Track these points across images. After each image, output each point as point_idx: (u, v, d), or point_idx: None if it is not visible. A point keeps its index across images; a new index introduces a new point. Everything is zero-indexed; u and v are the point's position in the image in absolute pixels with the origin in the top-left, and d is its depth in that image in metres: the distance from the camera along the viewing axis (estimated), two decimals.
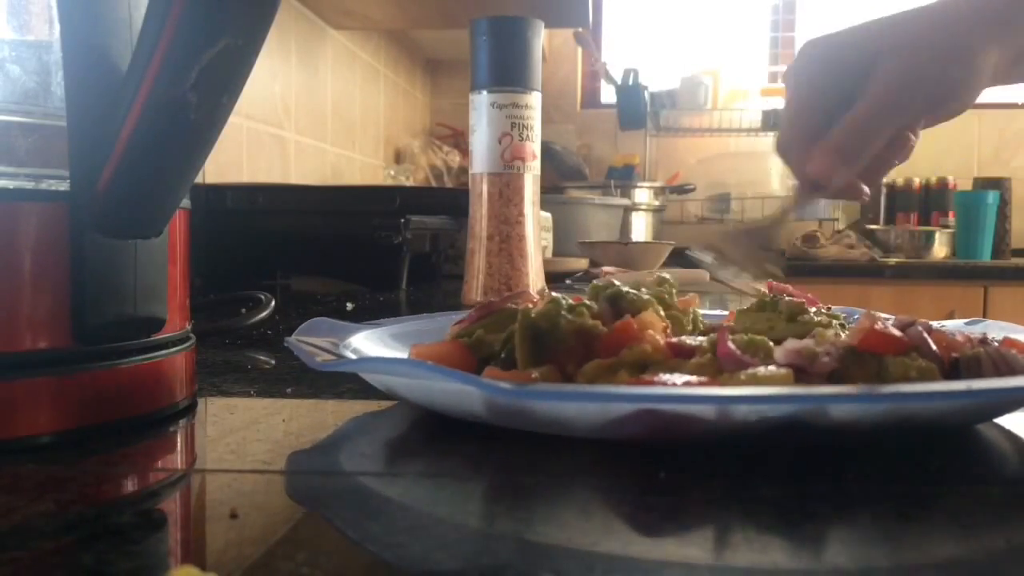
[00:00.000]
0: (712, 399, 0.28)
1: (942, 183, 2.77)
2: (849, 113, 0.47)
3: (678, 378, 0.32)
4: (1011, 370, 0.33)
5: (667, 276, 0.44)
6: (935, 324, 0.46)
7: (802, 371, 0.33)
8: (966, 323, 0.48)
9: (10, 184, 0.32)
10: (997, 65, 0.47)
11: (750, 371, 0.32)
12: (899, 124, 0.49)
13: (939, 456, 0.31)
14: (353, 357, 0.39)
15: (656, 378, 0.32)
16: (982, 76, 0.47)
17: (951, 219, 2.64)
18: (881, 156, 0.51)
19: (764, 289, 0.50)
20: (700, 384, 0.31)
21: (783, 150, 0.50)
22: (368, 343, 0.43)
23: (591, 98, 2.98)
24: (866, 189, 0.53)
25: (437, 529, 0.25)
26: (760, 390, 0.28)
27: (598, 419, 0.30)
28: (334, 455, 0.33)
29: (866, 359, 0.34)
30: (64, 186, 0.33)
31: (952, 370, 0.35)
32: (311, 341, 0.40)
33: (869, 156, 0.49)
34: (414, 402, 0.36)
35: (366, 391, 0.40)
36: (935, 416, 0.31)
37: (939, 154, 2.83)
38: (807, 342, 0.34)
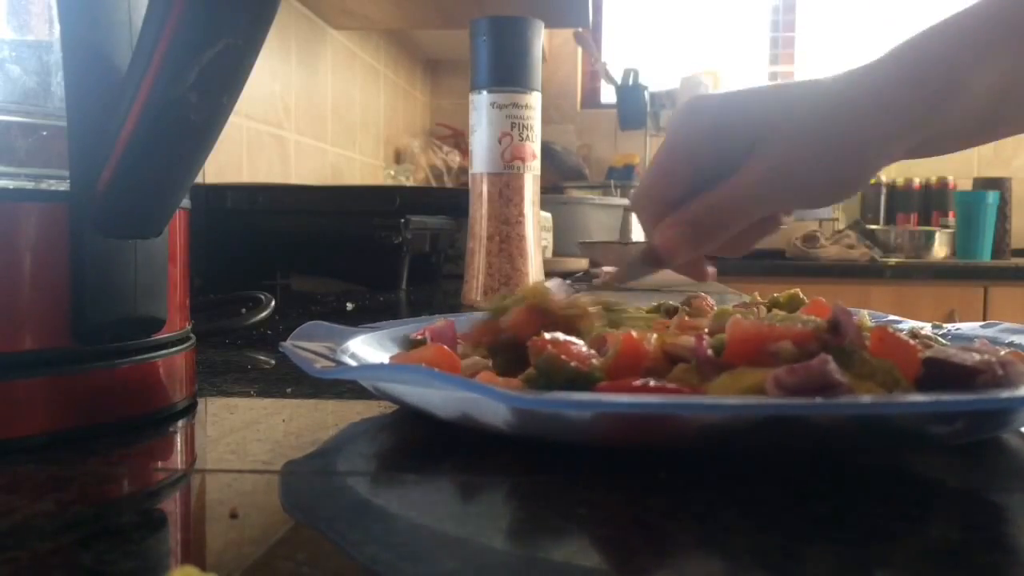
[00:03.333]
0: (676, 406, 0.28)
1: (942, 183, 2.77)
2: (711, 191, 0.43)
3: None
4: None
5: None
6: (947, 326, 0.46)
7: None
8: (981, 326, 0.46)
9: (10, 184, 0.32)
10: (892, 157, 0.43)
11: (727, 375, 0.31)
12: (764, 213, 0.44)
13: (936, 458, 0.31)
14: (352, 363, 0.39)
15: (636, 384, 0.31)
16: (871, 172, 0.43)
17: (951, 219, 2.64)
18: (743, 234, 0.45)
19: (756, 297, 0.50)
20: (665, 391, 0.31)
21: (636, 206, 0.45)
22: (366, 347, 0.43)
23: (591, 98, 2.98)
24: (711, 271, 0.47)
25: (437, 530, 0.25)
26: (727, 400, 0.28)
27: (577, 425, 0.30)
28: (334, 456, 0.33)
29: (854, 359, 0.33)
30: (64, 186, 0.33)
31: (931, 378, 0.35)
32: (307, 346, 0.40)
33: (722, 239, 0.44)
34: (410, 407, 0.36)
35: (366, 392, 0.40)
36: (908, 426, 0.30)
37: None
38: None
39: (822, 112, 0.42)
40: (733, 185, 0.42)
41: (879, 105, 0.41)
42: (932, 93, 0.42)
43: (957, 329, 0.46)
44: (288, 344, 0.39)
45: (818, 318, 0.35)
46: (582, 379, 0.32)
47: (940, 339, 0.41)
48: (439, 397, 0.33)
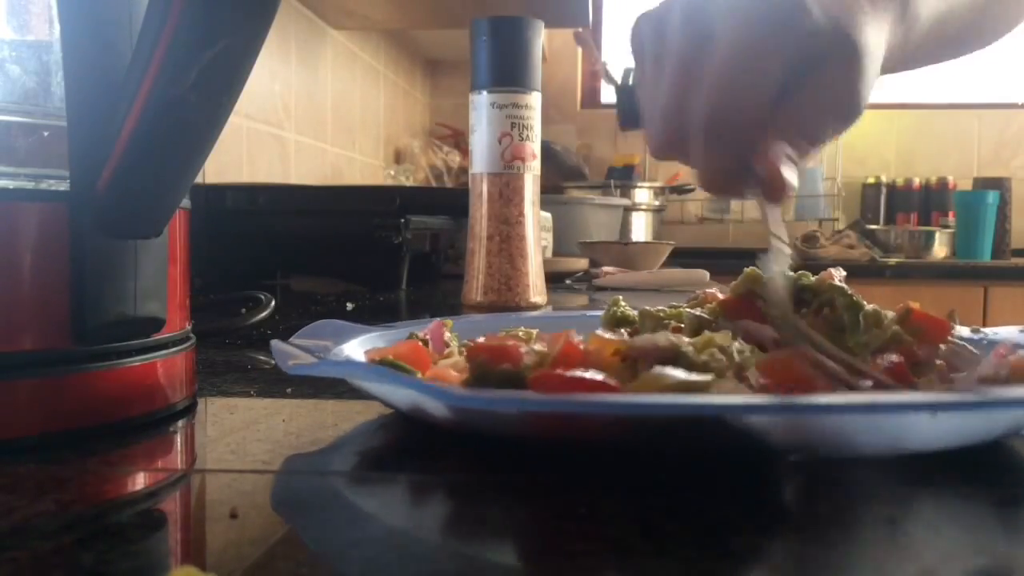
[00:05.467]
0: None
1: (942, 183, 2.77)
2: (810, 92, 0.37)
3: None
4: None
5: None
6: (988, 331, 0.45)
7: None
8: (1020, 330, 0.44)
9: (10, 184, 0.32)
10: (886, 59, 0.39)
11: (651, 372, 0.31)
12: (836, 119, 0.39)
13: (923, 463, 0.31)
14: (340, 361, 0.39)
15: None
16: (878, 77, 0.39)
17: (951, 219, 2.64)
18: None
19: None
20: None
21: (720, 126, 0.37)
22: (359, 349, 0.43)
23: (591, 98, 2.98)
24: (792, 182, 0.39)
25: (438, 530, 0.25)
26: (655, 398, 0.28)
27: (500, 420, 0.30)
28: (334, 455, 0.33)
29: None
30: (64, 186, 0.33)
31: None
32: (300, 343, 0.41)
33: (815, 151, 0.38)
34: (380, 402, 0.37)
35: (366, 392, 0.40)
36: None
37: (939, 154, 2.83)
38: None
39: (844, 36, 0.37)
40: (822, 86, 0.37)
41: (872, 26, 0.38)
42: (892, 14, 0.40)
43: (995, 333, 0.44)
44: (277, 341, 0.39)
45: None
46: (514, 378, 0.33)
47: (965, 343, 0.40)
48: (394, 392, 0.34)
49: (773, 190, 0.36)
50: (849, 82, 0.37)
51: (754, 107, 0.36)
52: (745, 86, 0.36)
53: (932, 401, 0.27)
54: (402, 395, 0.33)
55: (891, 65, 0.43)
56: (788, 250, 0.37)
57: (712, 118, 0.36)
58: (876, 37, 0.39)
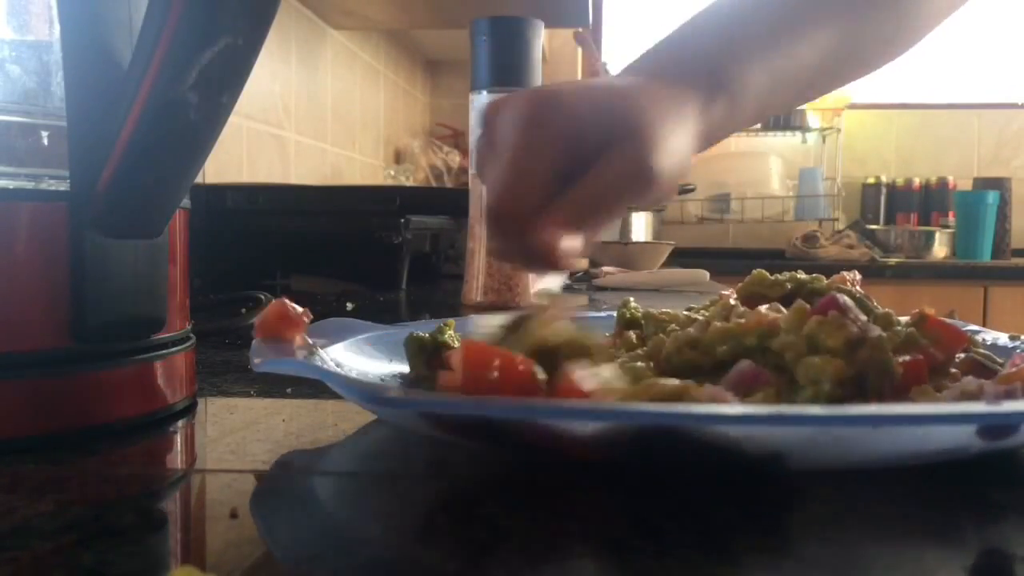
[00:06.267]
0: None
1: (942, 183, 2.77)
2: (590, 178, 0.40)
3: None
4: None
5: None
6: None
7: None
8: None
9: (10, 184, 0.32)
10: (697, 145, 0.44)
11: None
12: (636, 202, 0.43)
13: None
14: (330, 363, 0.39)
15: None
16: (680, 169, 0.43)
17: (951, 219, 2.64)
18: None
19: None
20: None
21: (497, 212, 0.41)
22: (346, 351, 0.43)
23: None
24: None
25: (438, 529, 0.25)
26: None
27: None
28: (334, 455, 0.33)
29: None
30: (64, 186, 0.33)
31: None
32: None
33: (602, 228, 0.42)
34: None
35: None
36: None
37: (939, 154, 2.83)
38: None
39: (640, 130, 0.42)
40: (604, 174, 0.41)
41: (665, 105, 0.43)
42: (703, 96, 0.45)
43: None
44: (259, 339, 0.39)
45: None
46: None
47: (985, 351, 0.39)
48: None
49: (543, 265, 0.40)
50: (637, 159, 0.41)
51: (523, 202, 0.41)
52: (515, 184, 0.41)
53: (873, 414, 0.26)
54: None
55: (735, 124, 0.48)
56: (543, 311, 0.39)
57: (491, 209, 0.41)
58: (666, 114, 0.43)
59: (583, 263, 0.43)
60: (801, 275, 0.43)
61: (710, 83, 0.45)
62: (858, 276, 0.43)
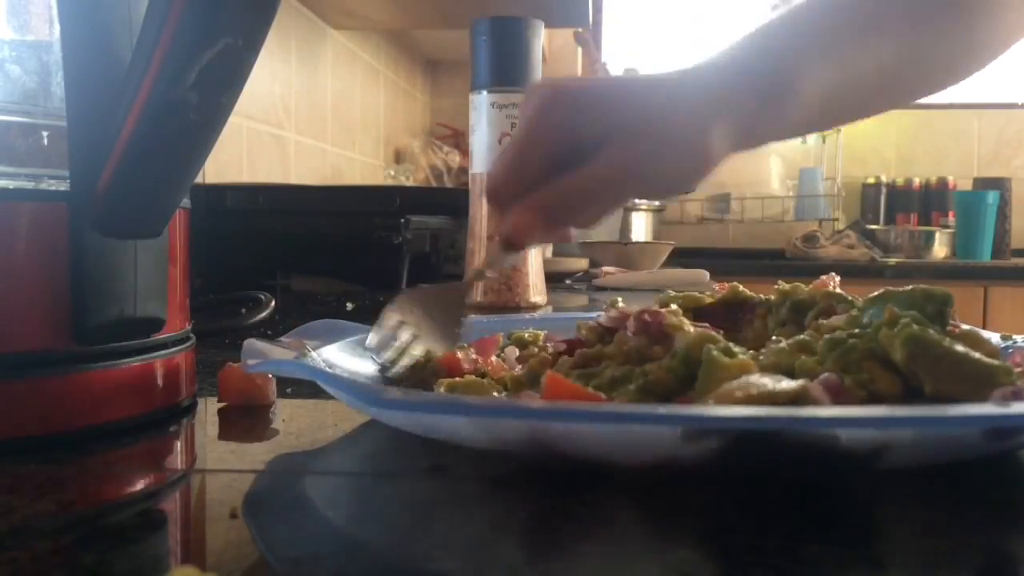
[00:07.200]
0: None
1: (942, 183, 2.77)
2: (563, 178, 0.44)
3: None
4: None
5: None
6: (1018, 338, 0.44)
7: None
8: None
9: (10, 184, 0.32)
10: (729, 150, 0.45)
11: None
12: (613, 202, 0.46)
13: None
14: (322, 364, 0.39)
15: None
16: (711, 167, 0.45)
17: (951, 219, 2.64)
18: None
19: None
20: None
21: (491, 190, 0.46)
22: (340, 352, 0.43)
23: None
24: (573, 232, 0.48)
25: (438, 529, 0.25)
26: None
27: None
28: (334, 455, 0.33)
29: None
30: (64, 186, 0.33)
31: None
32: (285, 342, 0.41)
33: (574, 223, 0.46)
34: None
35: None
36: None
37: (939, 154, 2.83)
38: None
39: (666, 110, 0.44)
40: (586, 174, 0.43)
41: (712, 103, 0.45)
42: (762, 93, 0.46)
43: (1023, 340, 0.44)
44: (251, 340, 0.39)
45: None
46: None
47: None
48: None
49: (508, 244, 0.45)
50: (629, 157, 0.44)
51: (513, 185, 0.45)
52: (511, 166, 0.45)
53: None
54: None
55: (794, 126, 0.49)
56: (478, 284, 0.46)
57: (487, 189, 0.46)
58: (690, 114, 0.45)
59: (584, 262, 0.48)
60: (782, 285, 0.44)
61: (772, 82, 0.46)
62: (837, 278, 0.45)
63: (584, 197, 0.44)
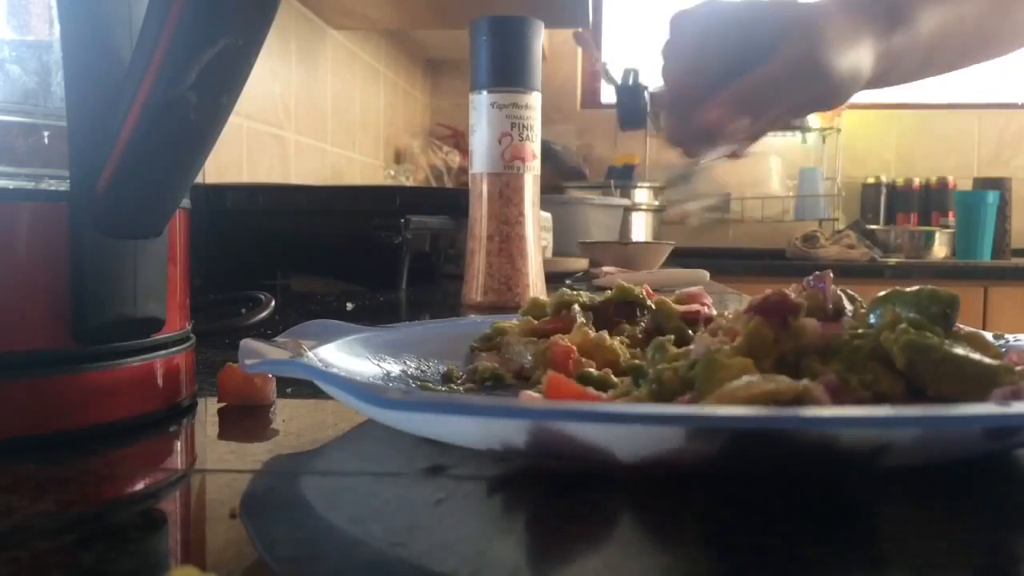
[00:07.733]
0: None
1: (942, 183, 2.77)
2: (753, 72, 0.51)
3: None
4: None
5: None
6: (1010, 338, 0.43)
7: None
8: None
9: (10, 184, 0.32)
10: (865, 73, 0.53)
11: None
12: (792, 100, 0.52)
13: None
14: (318, 364, 0.39)
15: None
16: (855, 85, 0.52)
17: (951, 219, 2.64)
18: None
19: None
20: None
21: (675, 92, 0.53)
22: (338, 352, 0.42)
23: (591, 98, 2.98)
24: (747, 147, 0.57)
25: (440, 529, 0.25)
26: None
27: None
28: (334, 455, 0.33)
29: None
30: (64, 186, 0.33)
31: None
32: (280, 341, 0.41)
33: (763, 119, 0.53)
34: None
35: None
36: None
37: (939, 154, 2.83)
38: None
39: (821, 20, 0.52)
40: (772, 68, 0.50)
41: (842, 27, 0.52)
42: (888, 18, 0.53)
43: (1017, 340, 0.43)
44: (247, 340, 0.39)
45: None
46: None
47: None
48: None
49: (707, 141, 0.53)
50: (806, 53, 0.51)
51: (695, 90, 0.52)
52: (690, 74, 0.53)
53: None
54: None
55: (908, 62, 0.57)
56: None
57: (669, 95, 0.53)
58: (840, 24, 0.52)
59: (748, 146, 0.55)
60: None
61: (888, 16, 0.53)
62: (831, 274, 0.47)
63: (774, 88, 0.50)
